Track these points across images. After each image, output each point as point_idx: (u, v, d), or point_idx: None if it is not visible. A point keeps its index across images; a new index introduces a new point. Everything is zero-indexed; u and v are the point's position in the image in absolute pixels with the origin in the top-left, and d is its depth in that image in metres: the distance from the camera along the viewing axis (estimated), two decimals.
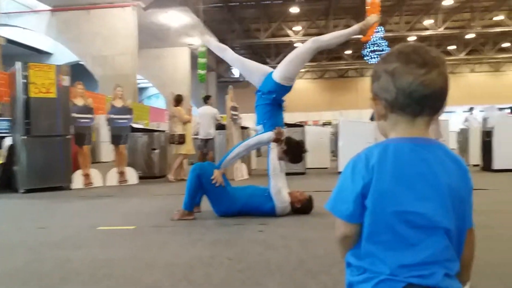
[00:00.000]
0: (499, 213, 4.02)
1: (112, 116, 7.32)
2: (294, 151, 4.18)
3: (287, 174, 7.90)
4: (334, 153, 10.48)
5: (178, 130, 7.73)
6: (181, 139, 7.66)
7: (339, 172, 8.15)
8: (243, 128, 9.10)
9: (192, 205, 4.06)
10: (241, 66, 4.53)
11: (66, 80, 6.76)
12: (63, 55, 21.77)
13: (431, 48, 0.99)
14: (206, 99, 8.81)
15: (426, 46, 0.99)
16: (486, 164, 8.31)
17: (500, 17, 22.01)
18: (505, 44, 26.56)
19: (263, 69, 4.34)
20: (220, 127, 8.78)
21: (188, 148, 7.86)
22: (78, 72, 17.20)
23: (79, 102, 7.03)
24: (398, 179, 0.94)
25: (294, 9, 21.64)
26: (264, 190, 4.16)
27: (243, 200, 4.07)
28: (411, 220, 0.94)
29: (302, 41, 25.34)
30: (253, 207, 4.07)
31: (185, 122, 7.79)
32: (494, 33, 24.22)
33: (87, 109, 7.10)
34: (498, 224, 3.54)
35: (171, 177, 7.75)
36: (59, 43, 19.32)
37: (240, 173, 8.01)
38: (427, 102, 0.95)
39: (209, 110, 8.54)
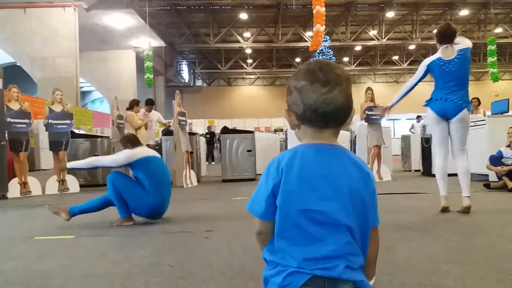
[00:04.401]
0: (437, 215, 4.26)
1: (51, 121, 6.99)
2: None
3: (237, 180, 7.95)
4: None
5: None
6: None
7: None
8: (191, 134, 9.02)
9: (126, 211, 4.01)
10: None
11: None
12: None
13: (337, 65, 1.09)
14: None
15: (332, 64, 1.09)
16: (426, 169, 8.77)
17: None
18: None
19: None
20: (167, 133, 8.64)
21: None
22: (14, 74, 16.31)
23: (14, 106, 6.65)
24: (302, 180, 1.03)
25: (243, 16, 21.82)
26: None
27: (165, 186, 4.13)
28: (315, 218, 1.02)
29: (252, 48, 25.83)
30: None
31: (137, 128, 7.60)
32: (432, 45, 25.88)
33: (23, 114, 6.73)
34: (434, 225, 3.75)
35: None
36: None
37: (189, 180, 7.91)
38: (330, 117, 1.06)
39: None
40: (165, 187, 4.16)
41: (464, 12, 22.34)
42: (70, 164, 4.47)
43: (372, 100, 8.09)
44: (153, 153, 4.28)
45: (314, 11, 12.86)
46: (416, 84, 4.51)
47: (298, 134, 1.13)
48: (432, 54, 4.46)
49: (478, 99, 9.12)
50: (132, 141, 4.21)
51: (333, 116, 1.05)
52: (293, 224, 1.03)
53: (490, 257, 2.65)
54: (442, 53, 4.26)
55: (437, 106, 4.24)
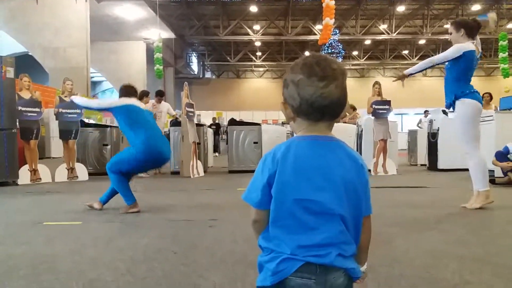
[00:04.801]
0: (436, 209, 4.28)
1: (61, 110, 7.09)
2: None
3: (243, 171, 7.96)
4: None
5: None
6: None
7: None
8: (199, 125, 9.08)
9: (131, 197, 4.12)
10: None
11: (10, 72, 6.48)
12: (9, 45, 20.70)
13: (333, 59, 1.11)
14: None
15: (329, 58, 1.11)
16: (432, 164, 8.76)
17: (449, 25, 23.20)
18: None
19: None
20: (175, 123, 8.71)
21: None
22: (27, 63, 16.44)
23: (26, 95, 6.76)
24: (297, 171, 1.06)
25: (253, 8, 21.74)
26: None
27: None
28: (309, 207, 1.06)
29: (262, 41, 25.59)
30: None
31: None
32: (443, 40, 25.57)
33: (34, 103, 6.83)
34: (436, 219, 3.77)
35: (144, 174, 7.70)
36: (5, 32, 18.36)
37: (196, 171, 7.98)
38: (327, 110, 1.08)
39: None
40: (151, 132, 4.17)
41: (476, 7, 22.00)
42: (75, 98, 4.73)
43: (380, 94, 8.07)
44: (139, 104, 4.33)
45: (323, 5, 12.80)
46: (440, 63, 4.27)
47: (293, 126, 1.16)
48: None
49: (490, 94, 9.03)
50: (124, 92, 4.35)
51: (329, 109, 1.08)
52: (287, 213, 1.06)
53: (490, 252, 2.68)
54: (476, 47, 4.10)
55: (481, 99, 4.12)
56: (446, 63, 4.21)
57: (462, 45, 4.08)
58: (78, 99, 4.64)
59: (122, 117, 4.14)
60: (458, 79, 4.12)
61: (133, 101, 4.28)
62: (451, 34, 4.25)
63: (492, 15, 4.36)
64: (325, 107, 1.07)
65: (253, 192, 1.12)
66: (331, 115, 1.10)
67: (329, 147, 1.10)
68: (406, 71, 4.41)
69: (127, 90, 4.36)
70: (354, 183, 1.09)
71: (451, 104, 4.19)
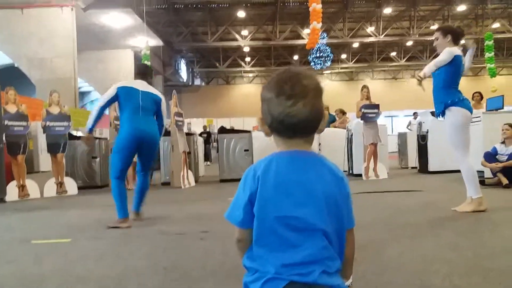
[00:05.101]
0: (428, 212, 4.31)
1: (48, 123, 7.01)
2: None
3: (235, 180, 7.93)
4: None
5: None
6: None
7: None
8: (189, 134, 9.04)
9: (125, 211, 4.06)
10: None
11: None
12: None
13: (306, 75, 1.10)
14: None
15: (302, 73, 1.10)
16: (422, 166, 8.80)
17: (435, 26, 23.50)
18: None
19: None
20: (164, 133, 8.65)
21: None
22: (13, 75, 16.26)
23: (12, 108, 6.67)
24: (278, 187, 1.06)
25: (241, 13, 21.79)
26: None
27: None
28: (291, 224, 1.05)
29: (250, 46, 25.53)
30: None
31: None
32: (430, 41, 25.74)
33: (21, 116, 6.75)
34: (427, 223, 3.78)
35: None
36: None
37: (186, 181, 7.93)
38: (297, 128, 1.08)
39: None
40: (135, 112, 4.13)
41: (461, 8, 22.30)
42: (88, 127, 4.27)
43: (368, 98, 8.12)
44: (140, 85, 4.24)
45: (310, 9, 12.87)
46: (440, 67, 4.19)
47: (273, 141, 1.17)
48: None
49: (480, 93, 9.10)
50: (136, 71, 4.48)
51: (299, 127, 1.08)
52: (270, 231, 1.06)
53: (480, 255, 2.69)
54: (462, 53, 4.16)
55: (470, 106, 4.18)
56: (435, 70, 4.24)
57: (452, 49, 4.12)
58: (93, 117, 4.21)
59: (119, 99, 4.15)
60: (447, 86, 4.16)
61: (131, 82, 4.27)
62: (437, 39, 4.27)
63: (468, 42, 4.45)
64: (295, 125, 1.07)
65: (235, 210, 1.11)
66: (302, 133, 1.10)
67: (309, 162, 1.10)
68: (425, 73, 4.23)
69: (139, 69, 4.48)
70: (335, 196, 1.09)
71: (440, 114, 4.24)
